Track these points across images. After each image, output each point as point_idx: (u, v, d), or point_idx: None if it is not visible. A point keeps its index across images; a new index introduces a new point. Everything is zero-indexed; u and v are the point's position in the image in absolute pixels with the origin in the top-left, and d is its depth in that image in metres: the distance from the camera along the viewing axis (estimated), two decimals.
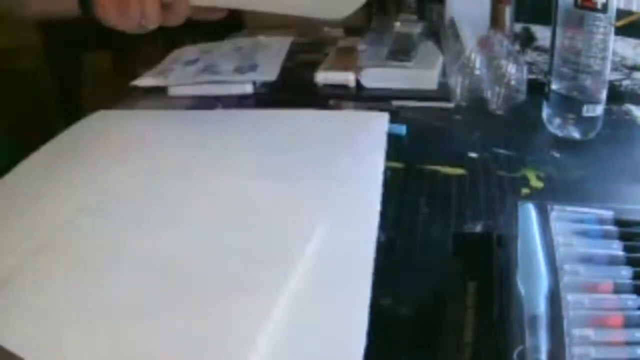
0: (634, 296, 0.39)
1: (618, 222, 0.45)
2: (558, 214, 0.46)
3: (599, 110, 0.66)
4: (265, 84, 0.85)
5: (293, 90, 0.86)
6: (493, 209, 0.54)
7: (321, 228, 0.49)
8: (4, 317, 0.41)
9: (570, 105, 0.66)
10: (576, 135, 0.67)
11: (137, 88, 0.85)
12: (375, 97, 0.81)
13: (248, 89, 0.83)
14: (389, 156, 0.63)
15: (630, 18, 0.93)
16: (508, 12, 0.97)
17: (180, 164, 0.62)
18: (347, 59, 0.90)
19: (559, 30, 0.65)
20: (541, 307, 0.38)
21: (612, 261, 0.42)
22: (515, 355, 0.36)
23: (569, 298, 0.38)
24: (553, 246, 0.43)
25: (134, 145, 0.66)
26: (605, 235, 0.44)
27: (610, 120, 0.71)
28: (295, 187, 0.57)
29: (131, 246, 0.48)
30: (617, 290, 0.40)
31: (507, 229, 0.47)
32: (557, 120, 0.68)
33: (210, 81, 0.83)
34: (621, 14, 0.76)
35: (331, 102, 0.79)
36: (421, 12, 1.07)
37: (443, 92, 0.81)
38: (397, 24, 0.97)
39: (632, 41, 0.96)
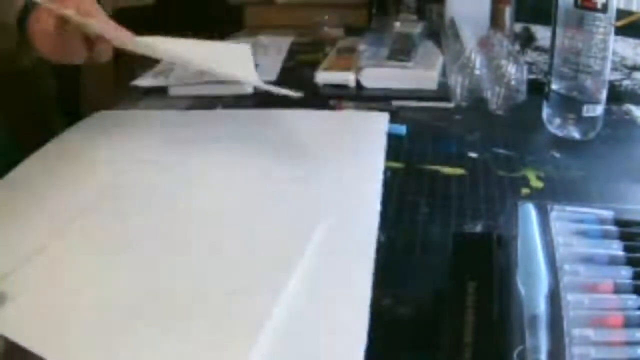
0: (634, 296, 0.39)
1: (618, 222, 0.45)
2: (558, 214, 0.46)
3: (599, 110, 0.66)
4: (265, 84, 0.85)
5: (293, 90, 0.85)
6: (493, 209, 0.54)
7: (321, 227, 0.49)
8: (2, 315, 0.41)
9: (570, 105, 0.66)
10: (576, 135, 0.67)
11: (137, 88, 0.85)
12: (375, 97, 0.81)
13: (248, 89, 0.83)
14: (389, 156, 0.63)
15: (630, 18, 0.93)
16: (508, 12, 0.97)
17: (181, 163, 0.62)
18: (347, 59, 0.90)
19: (559, 30, 0.65)
20: (541, 307, 0.38)
21: (612, 261, 0.42)
22: (515, 355, 0.36)
23: (569, 298, 0.38)
24: (553, 246, 0.43)
25: (135, 145, 0.66)
26: (605, 235, 0.44)
27: (610, 120, 0.71)
28: (295, 186, 0.57)
29: (131, 246, 0.48)
30: (617, 290, 0.40)
31: (507, 229, 0.47)
32: (557, 120, 0.68)
33: (210, 81, 0.83)
34: (621, 14, 0.76)
35: (331, 102, 0.79)
36: (421, 12, 1.07)
37: (443, 92, 0.81)
38: (397, 24, 0.97)
39: (632, 41, 0.96)
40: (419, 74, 0.83)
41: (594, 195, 0.57)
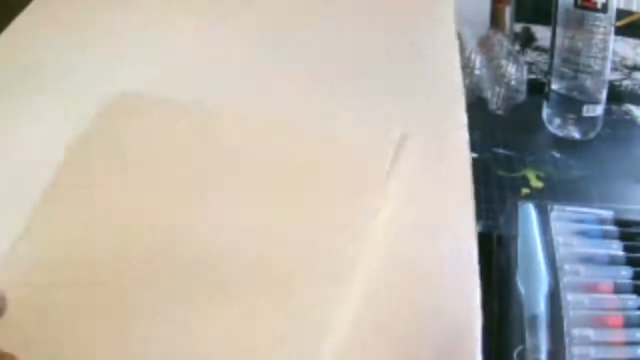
0: (634, 296, 0.39)
1: (618, 222, 0.45)
2: (558, 214, 0.46)
3: (599, 110, 0.66)
4: None
5: None
6: (493, 209, 0.54)
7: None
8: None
9: (570, 105, 0.66)
10: (576, 135, 0.67)
11: None
12: None
13: None
14: None
15: (630, 18, 0.93)
16: (508, 12, 0.97)
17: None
18: None
19: (559, 30, 0.65)
20: (541, 307, 0.38)
21: (612, 261, 0.42)
22: (515, 355, 0.36)
23: (569, 298, 0.39)
24: (553, 246, 0.43)
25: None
26: (605, 235, 0.44)
27: (610, 120, 0.71)
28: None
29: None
30: (617, 290, 0.40)
31: (507, 229, 0.48)
32: (557, 120, 0.68)
33: None
34: (621, 14, 0.76)
35: None
36: None
37: None
38: None
39: (632, 41, 0.96)
40: None
41: (594, 195, 0.57)
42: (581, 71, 0.65)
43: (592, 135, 0.67)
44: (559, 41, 0.66)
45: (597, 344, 0.36)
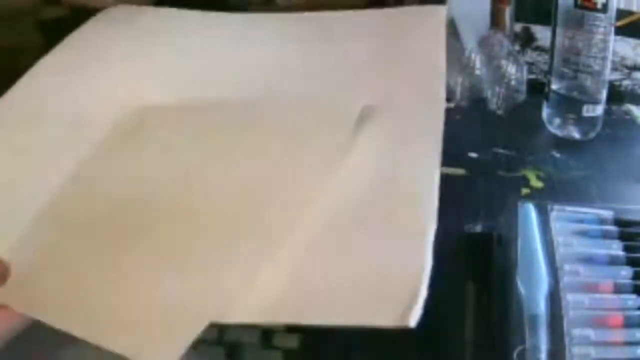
0: (634, 296, 0.39)
1: (618, 222, 0.45)
2: (558, 214, 0.46)
3: (599, 110, 0.66)
4: None
5: None
6: (493, 209, 0.54)
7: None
8: None
9: (570, 105, 0.66)
10: (576, 135, 0.67)
11: None
12: None
13: None
14: None
15: (630, 18, 0.93)
16: (508, 12, 0.97)
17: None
18: None
19: (559, 30, 0.65)
20: (541, 307, 0.38)
21: (612, 261, 0.42)
22: (515, 355, 0.36)
23: (569, 298, 0.39)
24: (553, 246, 0.43)
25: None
26: (605, 235, 0.44)
27: (610, 120, 0.71)
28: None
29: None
30: (617, 290, 0.40)
31: (507, 229, 0.48)
32: (557, 120, 0.68)
33: None
34: (621, 14, 0.76)
35: None
36: None
37: None
38: None
39: (632, 41, 0.96)
40: None
41: (594, 195, 0.57)
42: (581, 71, 0.65)
43: (592, 135, 0.67)
44: (559, 41, 0.66)
45: (597, 344, 0.36)
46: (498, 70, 0.79)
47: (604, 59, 0.64)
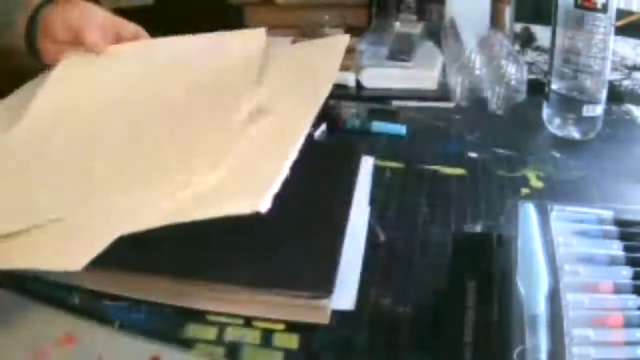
0: (634, 296, 0.39)
1: (618, 222, 0.45)
2: (558, 214, 0.46)
3: (599, 110, 0.66)
4: None
5: None
6: (493, 209, 0.54)
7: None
8: None
9: (570, 105, 0.66)
10: (576, 135, 0.67)
11: None
12: (375, 97, 0.81)
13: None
14: (389, 156, 0.63)
15: (630, 18, 0.93)
16: (508, 12, 0.97)
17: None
18: (347, 59, 0.90)
19: (559, 30, 0.65)
20: (541, 307, 0.38)
21: (612, 261, 0.42)
22: (515, 355, 0.36)
23: (569, 298, 0.39)
24: (553, 246, 0.43)
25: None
26: (605, 235, 0.44)
27: (610, 120, 0.71)
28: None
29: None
30: (617, 290, 0.40)
31: (507, 229, 0.48)
32: (557, 120, 0.68)
33: None
34: (621, 14, 0.76)
35: (331, 102, 0.79)
36: (421, 12, 1.07)
37: (443, 92, 0.81)
38: (397, 24, 0.97)
39: (632, 41, 0.96)
40: (419, 74, 0.83)
41: (594, 195, 0.57)
42: (581, 71, 0.65)
43: (592, 135, 0.67)
44: (559, 41, 0.66)
45: (597, 344, 0.36)
46: (498, 70, 0.79)
47: (604, 59, 0.64)
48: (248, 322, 0.42)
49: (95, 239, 0.39)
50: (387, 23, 0.99)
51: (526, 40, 1.00)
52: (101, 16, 0.66)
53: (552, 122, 0.69)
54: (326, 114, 0.69)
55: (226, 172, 0.45)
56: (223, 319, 0.42)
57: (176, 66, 0.64)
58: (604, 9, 0.61)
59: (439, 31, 0.98)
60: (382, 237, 0.51)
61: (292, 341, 0.41)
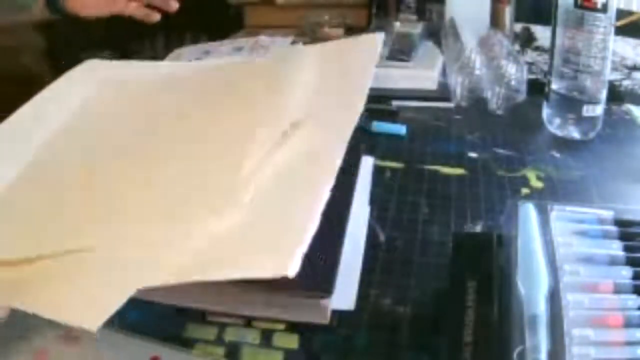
0: (634, 296, 0.39)
1: (618, 222, 0.45)
2: (558, 214, 0.46)
3: (599, 110, 0.66)
4: None
5: None
6: (493, 209, 0.54)
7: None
8: None
9: (570, 105, 0.66)
10: (576, 135, 0.67)
11: None
12: (375, 97, 0.80)
13: None
14: (389, 156, 0.63)
15: (630, 18, 0.93)
16: (508, 12, 0.97)
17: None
18: None
19: (559, 30, 0.65)
20: (541, 307, 0.38)
21: (612, 261, 0.42)
22: (515, 355, 0.36)
23: (569, 298, 0.38)
24: (553, 246, 0.43)
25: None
26: (605, 235, 0.44)
27: (610, 120, 0.71)
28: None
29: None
30: (617, 290, 0.40)
31: (507, 229, 0.47)
32: (557, 120, 0.68)
33: None
34: (621, 14, 0.76)
35: None
36: (421, 12, 1.07)
37: (443, 92, 0.81)
38: (397, 24, 0.97)
39: (632, 41, 0.96)
40: (419, 74, 0.83)
41: (594, 195, 0.57)
42: (581, 71, 0.65)
43: (592, 135, 0.67)
44: (559, 41, 0.66)
45: (597, 344, 0.36)
46: (498, 70, 0.79)
47: (604, 59, 0.64)
48: (248, 322, 0.42)
49: (115, 292, 0.34)
50: (387, 23, 0.99)
51: (526, 40, 1.00)
52: None
53: (552, 122, 0.69)
54: None
55: (247, 212, 0.40)
56: (223, 319, 0.42)
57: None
58: (604, 9, 0.61)
59: (439, 31, 0.98)
60: (382, 237, 0.51)
61: (292, 341, 0.41)
